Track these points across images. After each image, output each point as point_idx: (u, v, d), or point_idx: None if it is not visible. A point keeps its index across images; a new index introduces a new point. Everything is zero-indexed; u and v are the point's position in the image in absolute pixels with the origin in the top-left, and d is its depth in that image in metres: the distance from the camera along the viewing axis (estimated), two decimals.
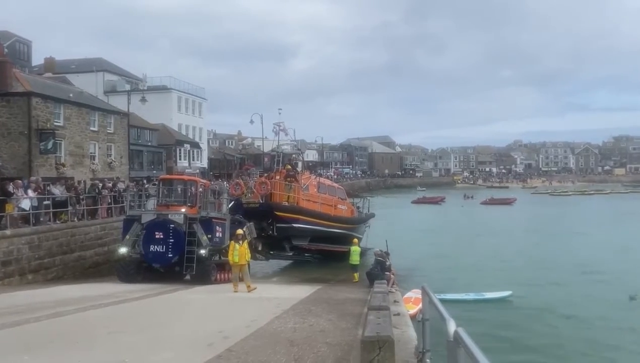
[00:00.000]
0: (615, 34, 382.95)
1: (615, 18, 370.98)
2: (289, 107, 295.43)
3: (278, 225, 25.46)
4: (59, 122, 32.78)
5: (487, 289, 22.12)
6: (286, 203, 26.32)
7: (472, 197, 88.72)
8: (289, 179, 27.26)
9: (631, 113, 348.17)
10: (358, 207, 35.33)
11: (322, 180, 32.86)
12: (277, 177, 27.36)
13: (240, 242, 16.11)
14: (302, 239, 26.91)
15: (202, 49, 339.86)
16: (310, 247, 27.84)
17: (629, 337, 16.63)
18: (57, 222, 21.03)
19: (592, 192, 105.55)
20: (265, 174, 30.34)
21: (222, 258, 20.25)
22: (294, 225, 25.86)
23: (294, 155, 30.96)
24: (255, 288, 15.87)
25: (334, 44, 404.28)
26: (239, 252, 15.84)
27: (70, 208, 21.99)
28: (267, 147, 62.11)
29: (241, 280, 16.16)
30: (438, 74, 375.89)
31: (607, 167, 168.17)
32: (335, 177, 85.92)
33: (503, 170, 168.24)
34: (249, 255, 16.83)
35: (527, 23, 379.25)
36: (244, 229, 21.93)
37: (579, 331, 17.31)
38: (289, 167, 28.34)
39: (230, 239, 16.89)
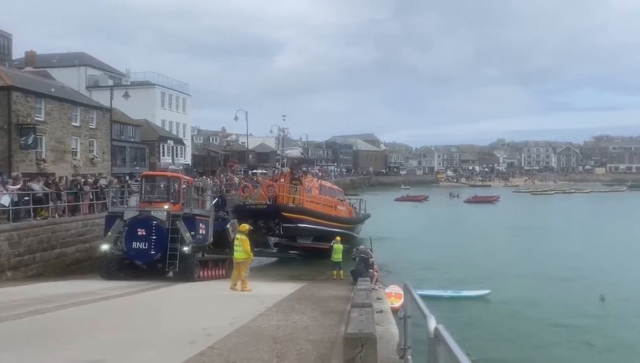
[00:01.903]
0: (599, 34, 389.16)
1: (601, 18, 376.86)
2: (275, 104, 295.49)
3: (284, 225, 27.57)
4: (40, 117, 32.31)
5: (467, 286, 22.33)
6: (292, 205, 28.56)
7: (457, 196, 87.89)
8: (294, 182, 29.79)
9: (612, 113, 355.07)
10: (355, 208, 37.57)
11: (323, 182, 35.62)
12: (282, 180, 29.81)
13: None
14: (306, 238, 28.91)
15: (187, 44, 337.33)
16: (295, 245, 29.02)
17: (599, 336, 16.96)
18: (37, 218, 20.75)
19: (573, 191, 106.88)
20: (251, 172, 32.55)
21: (206, 255, 20.17)
22: (299, 225, 28.01)
23: (292, 160, 33.00)
24: (237, 290, 15.76)
25: (323, 40, 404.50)
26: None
27: (50, 204, 21.71)
28: (252, 144, 62.10)
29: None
30: (424, 72, 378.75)
31: (587, 167, 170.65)
32: (321, 174, 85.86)
33: (486, 169, 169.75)
34: None
35: (513, 22, 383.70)
36: (228, 226, 21.95)
37: (553, 331, 17.55)
38: (289, 169, 31.33)
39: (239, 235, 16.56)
